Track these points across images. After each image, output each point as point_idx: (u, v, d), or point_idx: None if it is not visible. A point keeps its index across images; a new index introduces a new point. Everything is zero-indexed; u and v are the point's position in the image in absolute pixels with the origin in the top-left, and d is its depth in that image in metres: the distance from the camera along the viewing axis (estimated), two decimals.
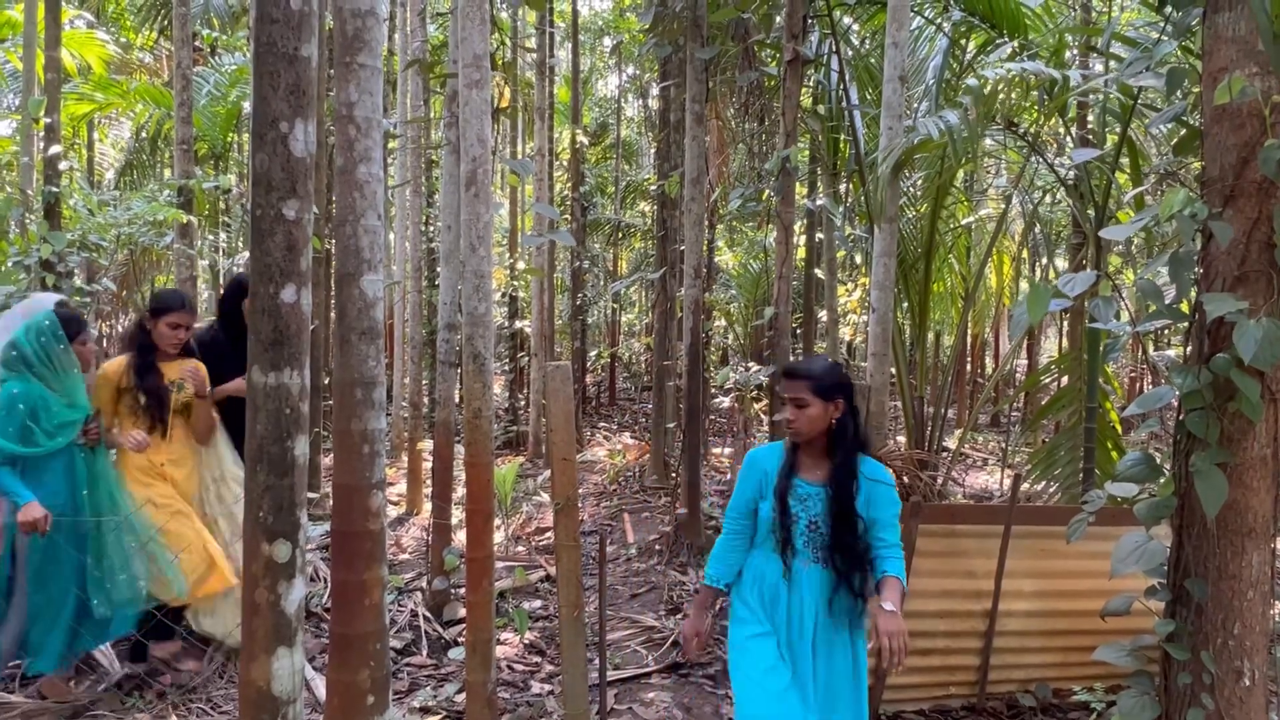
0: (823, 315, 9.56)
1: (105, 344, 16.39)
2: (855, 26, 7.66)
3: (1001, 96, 4.51)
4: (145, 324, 3.84)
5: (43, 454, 3.48)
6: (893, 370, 5.45)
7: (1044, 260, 12.74)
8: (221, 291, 4.52)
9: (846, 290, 10.84)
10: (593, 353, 15.56)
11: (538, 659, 4.39)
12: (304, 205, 1.78)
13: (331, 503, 2.40)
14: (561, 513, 3.28)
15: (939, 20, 6.76)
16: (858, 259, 11.37)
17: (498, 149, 13.36)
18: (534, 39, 12.20)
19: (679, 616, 4.96)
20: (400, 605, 4.93)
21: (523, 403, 11.88)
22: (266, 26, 1.72)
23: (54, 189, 5.98)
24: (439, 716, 3.71)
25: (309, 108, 1.77)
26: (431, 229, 11.34)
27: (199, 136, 11.35)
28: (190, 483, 3.93)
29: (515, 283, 12.42)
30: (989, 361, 16.89)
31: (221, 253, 13.01)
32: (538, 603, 5.22)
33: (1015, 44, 6.07)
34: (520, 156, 14.71)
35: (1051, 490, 5.47)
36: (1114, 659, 2.68)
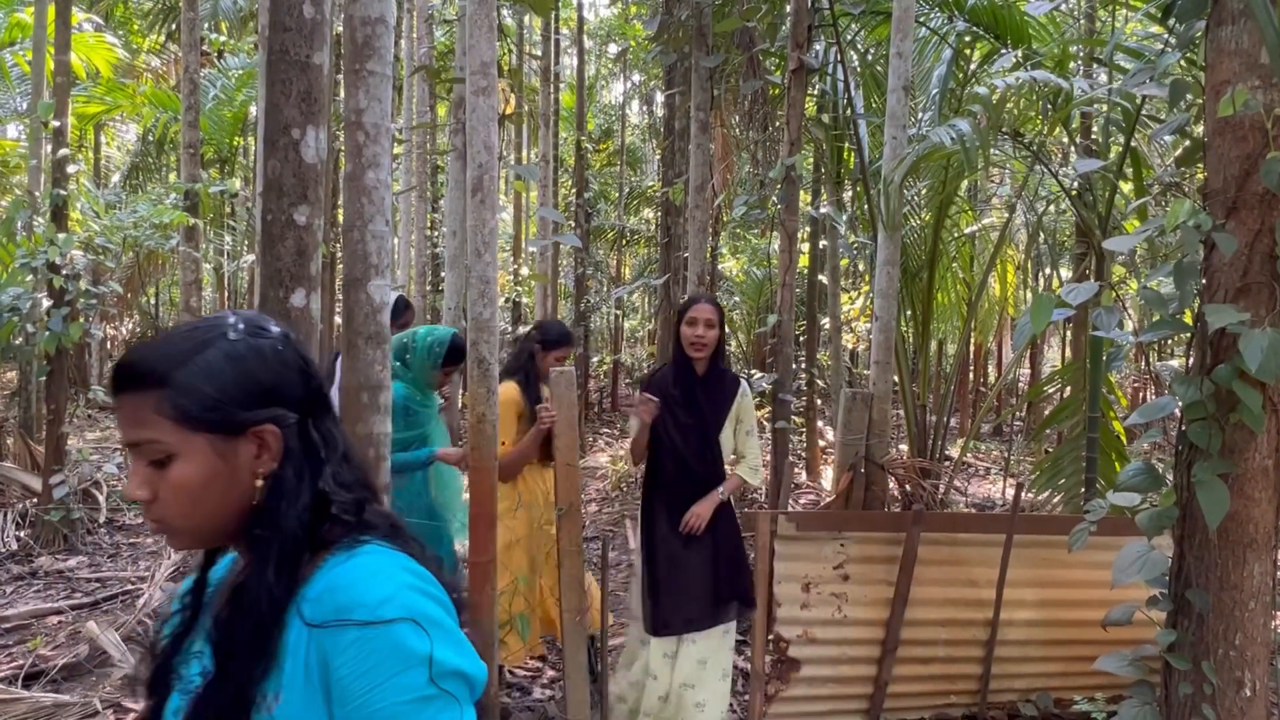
0: (826, 323, 9.58)
1: (110, 346, 16.46)
2: (860, 36, 7.69)
3: (1009, 106, 4.53)
4: (535, 354, 3.88)
5: (404, 462, 3.63)
6: (895, 378, 5.46)
7: (1047, 270, 12.75)
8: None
9: (850, 298, 10.86)
10: (595, 358, 15.57)
11: (539, 664, 4.39)
12: (314, 211, 1.80)
13: None
14: (564, 518, 3.29)
15: (944, 31, 6.79)
16: (861, 267, 11.39)
17: (503, 155, 13.41)
18: (539, 46, 12.25)
19: None
20: None
21: None
22: (279, 34, 1.74)
23: (61, 192, 6.01)
24: None
25: (320, 114, 1.79)
26: (436, 234, 11.38)
27: (205, 140, 11.40)
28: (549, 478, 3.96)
29: (519, 288, 12.45)
30: (992, 370, 16.88)
31: (226, 256, 13.06)
32: None
33: (1019, 54, 6.09)
34: (525, 162, 14.76)
35: (1054, 500, 5.47)
36: (1115, 669, 2.69)
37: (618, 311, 16.81)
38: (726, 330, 3.41)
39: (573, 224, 11.69)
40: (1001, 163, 9.29)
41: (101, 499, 6.60)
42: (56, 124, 6.00)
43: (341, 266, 2.46)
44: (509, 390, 3.71)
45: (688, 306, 3.37)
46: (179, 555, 5.38)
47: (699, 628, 3.23)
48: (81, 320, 6.12)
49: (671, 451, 3.32)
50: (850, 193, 8.47)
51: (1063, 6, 7.30)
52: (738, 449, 3.40)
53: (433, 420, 3.85)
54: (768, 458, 5.71)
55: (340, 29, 4.50)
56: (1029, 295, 13.50)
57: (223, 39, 12.36)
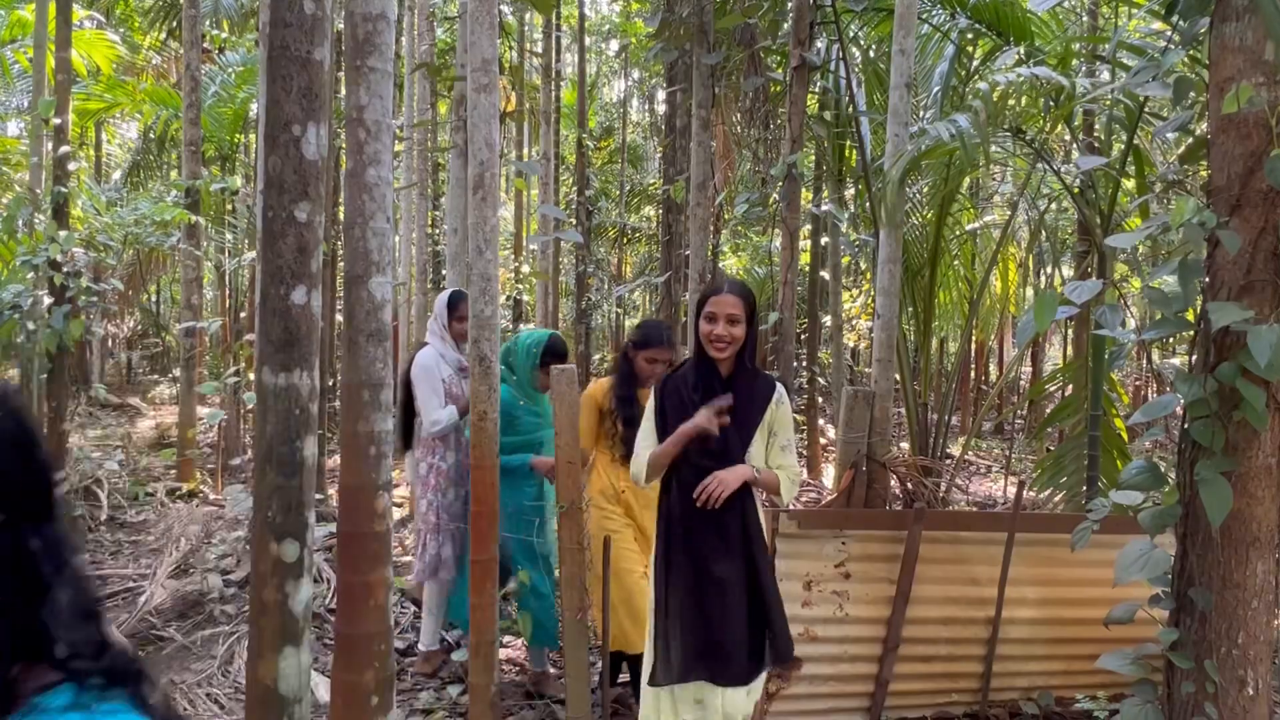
0: (827, 320, 9.57)
1: (111, 344, 16.48)
2: (862, 32, 7.68)
3: (1010, 103, 4.52)
4: (629, 354, 3.72)
5: (509, 464, 3.67)
6: (897, 376, 5.45)
7: (1049, 268, 12.73)
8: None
9: (851, 296, 10.85)
10: (597, 356, 15.57)
11: None
12: (315, 208, 1.80)
13: (337, 504, 2.41)
14: (565, 516, 3.29)
15: (946, 28, 6.78)
16: (862, 264, 11.38)
17: (504, 152, 13.40)
18: (540, 43, 12.24)
19: None
20: (403, 607, 4.94)
21: None
22: (280, 30, 1.74)
23: (62, 189, 6.01)
24: (442, 717, 3.71)
25: (321, 111, 1.79)
26: (437, 231, 11.37)
27: (206, 137, 11.40)
28: (651, 511, 3.92)
29: (520, 286, 12.45)
30: (993, 368, 16.87)
31: (227, 254, 13.06)
32: None
33: (1021, 51, 6.07)
34: (526, 160, 14.75)
35: (1056, 498, 5.46)
36: (1117, 667, 2.68)
37: (619, 309, 16.80)
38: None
39: (574, 221, 11.68)
40: (1003, 160, 9.28)
41: (103, 497, 6.61)
42: (57, 121, 5.99)
43: (342, 263, 2.45)
44: (595, 386, 3.76)
45: (706, 297, 2.76)
46: (181, 553, 5.39)
47: (728, 682, 2.72)
48: (83, 318, 6.12)
49: (688, 471, 2.75)
50: (852, 190, 8.46)
51: (1065, 3, 7.29)
52: (770, 466, 2.85)
53: (544, 426, 3.87)
54: None
55: (341, 25, 4.49)
56: (1031, 293, 13.49)
57: (224, 35, 12.34)
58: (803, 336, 10.16)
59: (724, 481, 2.65)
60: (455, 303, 4.43)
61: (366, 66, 2.31)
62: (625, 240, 16.21)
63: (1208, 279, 2.49)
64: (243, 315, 13.76)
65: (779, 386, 2.85)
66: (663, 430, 2.81)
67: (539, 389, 3.89)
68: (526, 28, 13.07)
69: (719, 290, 2.73)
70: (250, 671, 1.85)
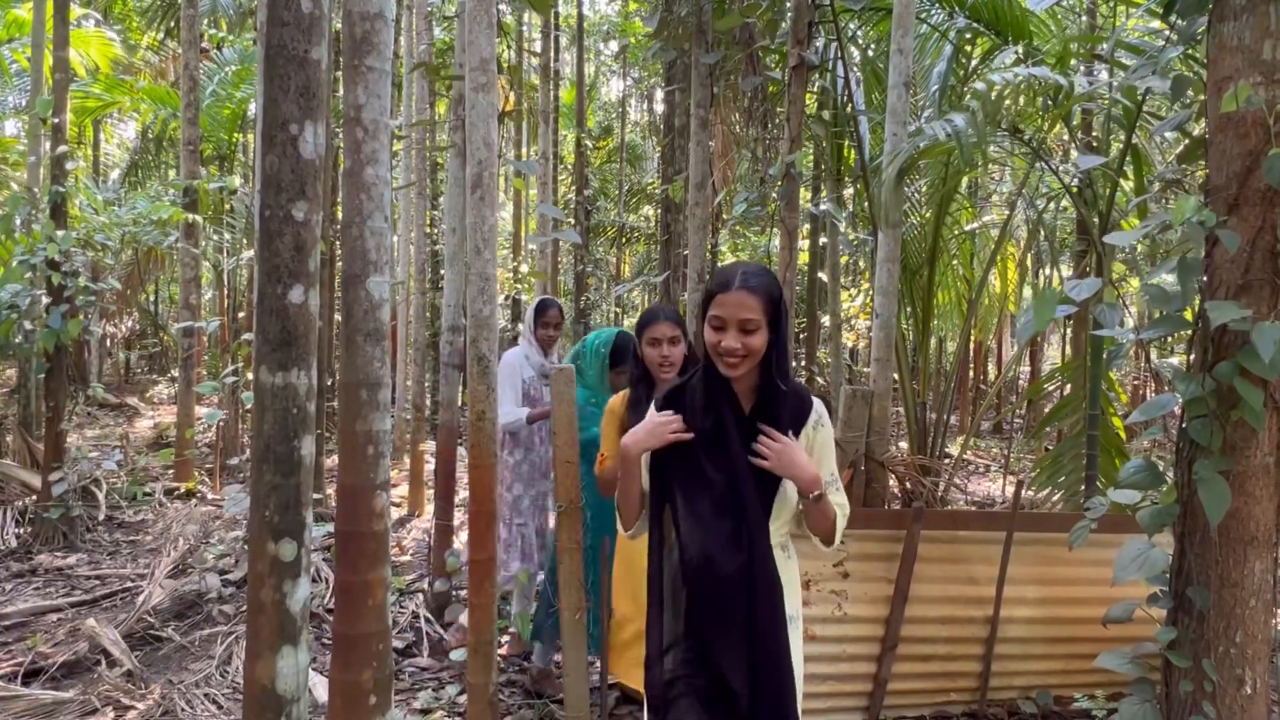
0: (826, 320, 9.57)
1: (109, 343, 16.45)
2: (861, 32, 7.68)
3: (1008, 102, 4.51)
4: (636, 352, 3.29)
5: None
6: (895, 376, 5.45)
7: (1048, 267, 12.73)
8: None
9: (850, 295, 10.85)
10: None
11: None
12: (312, 207, 1.79)
13: (335, 503, 2.41)
14: (564, 515, 3.28)
15: (944, 27, 6.78)
16: (861, 264, 11.38)
17: (502, 152, 13.39)
18: (539, 43, 12.24)
19: None
20: (402, 607, 4.94)
21: None
22: (277, 29, 1.74)
23: (60, 188, 6.00)
24: (440, 716, 3.71)
25: (319, 110, 1.78)
26: (435, 231, 11.37)
27: (204, 137, 11.39)
28: None
29: (518, 285, 12.44)
30: (992, 368, 16.88)
31: (225, 253, 13.05)
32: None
33: (1020, 50, 6.07)
34: (524, 160, 14.74)
35: (1054, 497, 5.46)
36: (1115, 666, 2.68)
37: (618, 309, 16.80)
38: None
39: (572, 221, 11.68)
40: (1002, 159, 9.29)
41: (101, 496, 6.60)
42: (55, 120, 5.98)
43: (340, 263, 2.45)
44: (615, 399, 3.25)
45: (712, 294, 1.96)
46: (179, 553, 5.38)
47: None
48: (81, 317, 6.11)
49: (690, 525, 2.01)
50: (851, 189, 8.46)
51: (1063, 2, 7.30)
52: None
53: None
54: None
55: (339, 24, 4.49)
56: (1029, 292, 13.50)
57: (222, 34, 12.33)
58: (801, 336, 10.16)
59: (791, 463, 1.96)
60: (542, 309, 4.40)
61: (364, 66, 2.31)
62: (624, 240, 16.20)
63: (1206, 278, 2.49)
64: (241, 315, 13.76)
65: (817, 405, 2.09)
66: (655, 458, 2.05)
67: (609, 390, 3.68)
68: (525, 27, 13.07)
69: (728, 285, 1.92)
70: (248, 671, 1.85)
